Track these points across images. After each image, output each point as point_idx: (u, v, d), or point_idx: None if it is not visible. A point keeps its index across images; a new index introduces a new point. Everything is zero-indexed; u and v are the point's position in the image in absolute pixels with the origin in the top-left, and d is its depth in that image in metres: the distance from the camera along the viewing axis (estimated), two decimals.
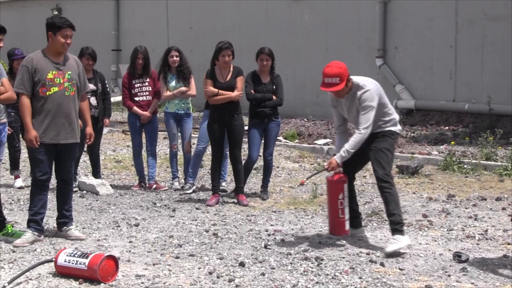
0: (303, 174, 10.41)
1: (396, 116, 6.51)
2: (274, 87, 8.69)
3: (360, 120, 6.29)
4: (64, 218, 6.87)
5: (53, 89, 6.54)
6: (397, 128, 6.51)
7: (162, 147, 12.07)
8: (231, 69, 8.43)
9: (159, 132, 9.78)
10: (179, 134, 9.41)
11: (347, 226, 6.57)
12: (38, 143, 6.51)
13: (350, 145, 6.32)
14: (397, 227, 6.27)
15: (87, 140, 7.08)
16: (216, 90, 8.31)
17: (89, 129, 6.99)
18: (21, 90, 6.54)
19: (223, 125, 8.39)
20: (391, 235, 6.34)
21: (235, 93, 8.32)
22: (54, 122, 6.57)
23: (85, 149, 9.50)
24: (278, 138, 10.25)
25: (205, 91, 8.40)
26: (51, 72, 6.55)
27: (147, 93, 9.28)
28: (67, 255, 5.58)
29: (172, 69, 9.16)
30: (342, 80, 6.21)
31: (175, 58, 9.14)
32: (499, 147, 11.23)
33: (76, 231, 6.86)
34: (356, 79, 6.39)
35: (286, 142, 12.83)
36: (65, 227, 6.84)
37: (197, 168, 9.30)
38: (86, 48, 9.07)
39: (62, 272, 5.58)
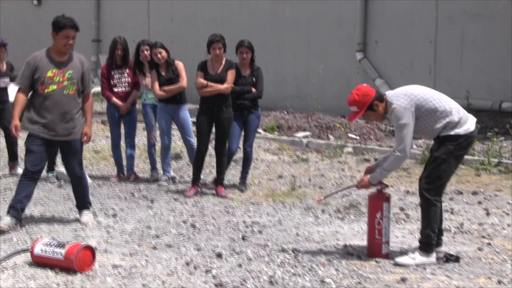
0: (282, 167, 10.44)
1: (454, 118, 5.79)
2: (254, 80, 8.72)
3: (396, 140, 5.88)
4: (78, 203, 7.14)
5: (51, 87, 6.67)
6: (461, 129, 5.78)
7: (141, 138, 12.03)
8: (223, 62, 8.46)
9: (138, 123, 9.77)
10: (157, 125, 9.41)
11: (385, 250, 5.99)
12: (19, 133, 6.72)
13: (386, 166, 5.87)
14: (421, 245, 5.90)
15: (84, 140, 7.06)
16: (205, 82, 8.34)
17: (86, 129, 6.99)
18: (19, 84, 6.75)
19: (211, 118, 8.41)
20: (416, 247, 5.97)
21: (224, 86, 8.34)
22: (52, 119, 6.69)
23: None
24: (257, 130, 10.26)
25: (195, 82, 8.45)
26: (51, 70, 6.67)
27: (126, 84, 9.25)
28: (43, 245, 5.56)
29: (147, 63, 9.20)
30: (361, 108, 5.82)
31: (145, 52, 9.15)
32: (477, 142, 11.31)
33: (85, 216, 7.05)
34: (390, 95, 5.90)
35: (265, 134, 12.84)
36: (79, 211, 7.14)
37: (169, 159, 9.32)
38: None
39: (39, 262, 5.56)
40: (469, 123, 5.87)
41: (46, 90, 6.66)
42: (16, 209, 6.69)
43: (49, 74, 6.66)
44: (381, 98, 5.91)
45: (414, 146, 11.58)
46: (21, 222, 6.75)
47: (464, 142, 5.83)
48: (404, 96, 5.86)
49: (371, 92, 5.90)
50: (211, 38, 8.41)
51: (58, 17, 6.76)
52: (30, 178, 6.75)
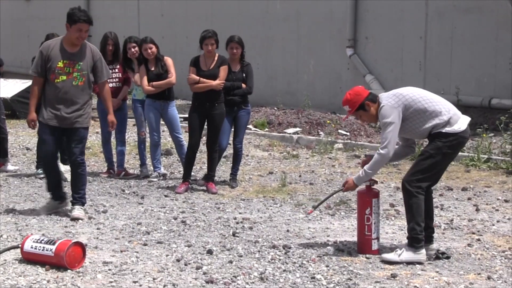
0: (272, 163, 10.44)
1: (443, 118, 5.77)
2: (244, 75, 8.71)
3: (380, 139, 5.96)
4: (73, 198, 7.20)
5: (61, 78, 6.87)
6: (451, 128, 5.76)
7: (132, 134, 12.01)
8: (216, 58, 8.46)
9: (128, 119, 9.75)
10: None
11: (375, 246, 6.01)
12: (35, 126, 7.03)
13: (369, 166, 5.90)
14: (408, 241, 5.88)
15: (110, 128, 7.50)
16: (197, 78, 8.35)
17: (110, 117, 7.36)
18: (34, 73, 6.96)
19: (204, 114, 8.41)
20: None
21: (215, 82, 8.34)
22: (60, 108, 6.89)
23: None
24: (248, 126, 10.25)
25: (187, 78, 8.45)
26: (61, 61, 6.85)
27: (117, 79, 9.24)
28: (33, 241, 5.54)
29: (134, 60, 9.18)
30: (352, 107, 5.94)
31: (132, 49, 9.15)
32: None
33: (76, 211, 7.05)
34: (381, 96, 5.95)
35: (256, 130, 12.84)
36: (72, 206, 7.19)
37: (159, 156, 9.32)
38: (52, 35, 9.04)
39: (29, 259, 5.54)
40: (461, 123, 5.84)
41: (56, 80, 6.86)
42: (55, 194, 7.13)
43: (60, 64, 6.84)
44: (374, 99, 5.96)
45: None
46: (64, 199, 7.24)
47: (455, 141, 5.80)
48: (393, 96, 5.90)
49: (364, 92, 5.98)
50: (203, 34, 8.41)
51: (74, 9, 6.90)
52: (49, 166, 7.13)
